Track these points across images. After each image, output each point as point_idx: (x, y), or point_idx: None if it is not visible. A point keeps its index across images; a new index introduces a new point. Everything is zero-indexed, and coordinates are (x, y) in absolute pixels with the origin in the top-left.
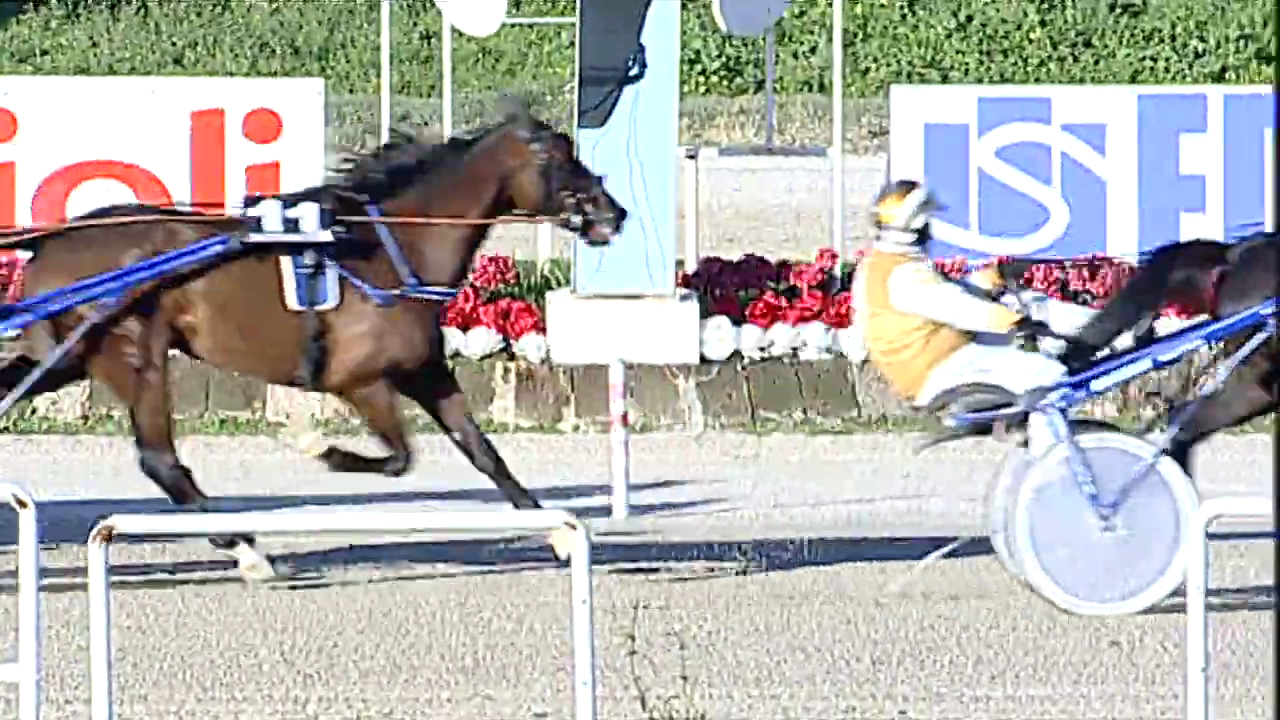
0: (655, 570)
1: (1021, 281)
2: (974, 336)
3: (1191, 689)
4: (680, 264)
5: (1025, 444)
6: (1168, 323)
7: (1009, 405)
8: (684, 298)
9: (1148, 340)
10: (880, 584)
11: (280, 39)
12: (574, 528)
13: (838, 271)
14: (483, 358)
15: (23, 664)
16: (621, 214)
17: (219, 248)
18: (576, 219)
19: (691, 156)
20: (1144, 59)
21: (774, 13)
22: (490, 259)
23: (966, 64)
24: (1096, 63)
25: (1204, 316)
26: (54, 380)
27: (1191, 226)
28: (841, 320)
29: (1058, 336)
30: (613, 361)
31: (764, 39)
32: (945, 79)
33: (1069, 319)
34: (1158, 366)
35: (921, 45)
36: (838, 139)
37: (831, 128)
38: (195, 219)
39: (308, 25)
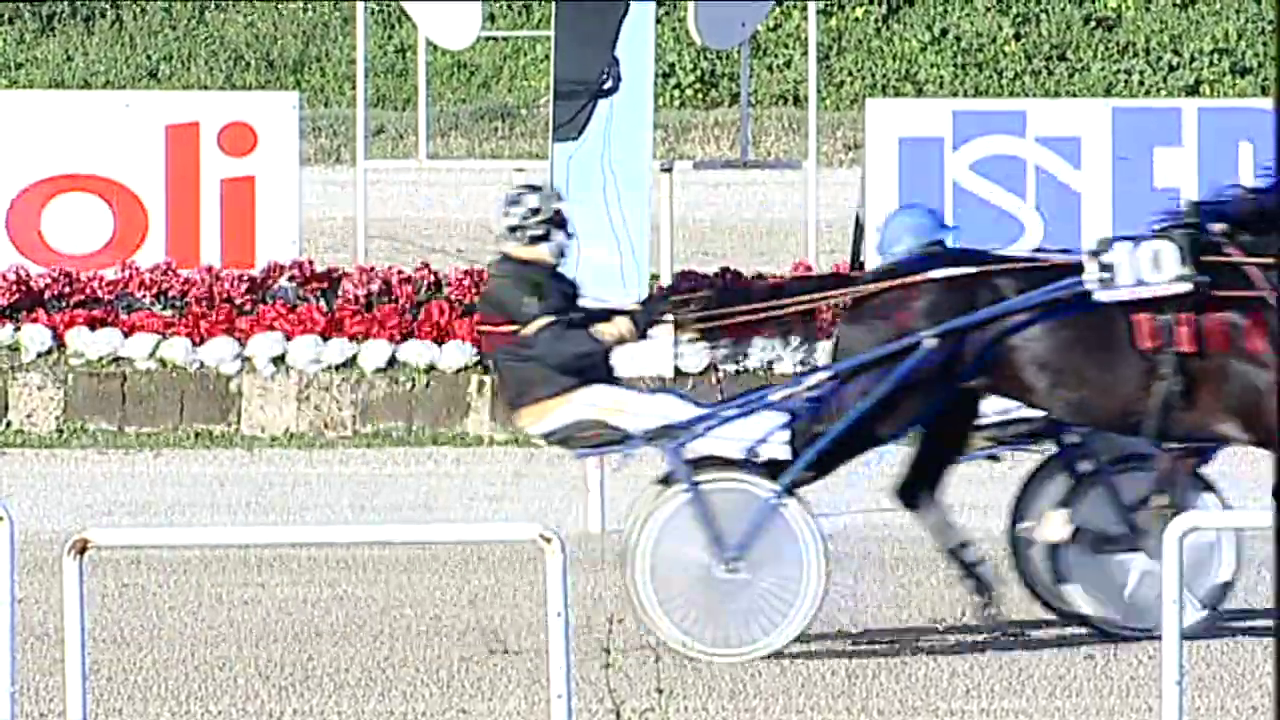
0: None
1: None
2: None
3: (1166, 702)
4: (655, 277)
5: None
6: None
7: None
8: None
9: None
10: (855, 596)
11: (255, 52)
12: (549, 541)
13: None
14: (458, 370)
15: None
16: None
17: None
18: None
19: (666, 169)
20: (1118, 72)
21: (749, 26)
22: (466, 272)
23: (941, 77)
24: (1071, 76)
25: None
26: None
27: None
28: (817, 333)
29: None
30: None
31: (739, 52)
32: (920, 92)
33: None
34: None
35: (896, 59)
36: (812, 152)
37: (806, 141)
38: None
39: (282, 38)
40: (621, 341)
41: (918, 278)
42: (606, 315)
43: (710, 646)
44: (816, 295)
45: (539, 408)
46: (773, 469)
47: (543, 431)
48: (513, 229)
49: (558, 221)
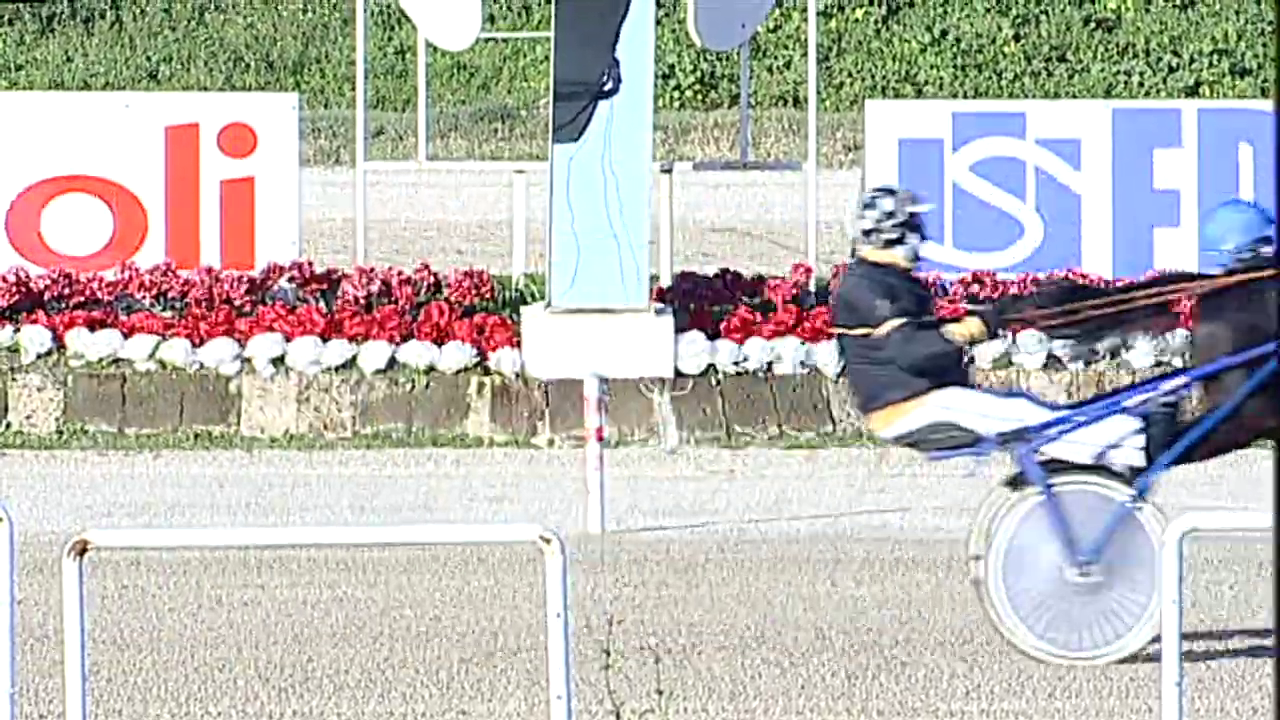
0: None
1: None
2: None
3: (1166, 703)
4: (655, 278)
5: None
6: None
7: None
8: (659, 312)
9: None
10: (855, 598)
11: (255, 54)
12: (549, 542)
13: (812, 286)
14: (457, 372)
15: None
16: None
17: None
18: None
19: (666, 171)
20: (1118, 73)
21: (749, 27)
22: (465, 273)
23: (941, 78)
24: (1071, 77)
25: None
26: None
27: (1165, 241)
28: (816, 335)
29: None
30: (587, 376)
31: (739, 53)
32: (920, 93)
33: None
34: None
35: (896, 60)
36: (812, 153)
37: (806, 142)
38: None
39: (282, 40)
40: (973, 342)
41: (1271, 272)
42: (957, 316)
43: (1064, 650)
44: (1168, 290)
45: (891, 411)
46: (1125, 472)
47: (894, 435)
48: (867, 232)
49: (912, 225)
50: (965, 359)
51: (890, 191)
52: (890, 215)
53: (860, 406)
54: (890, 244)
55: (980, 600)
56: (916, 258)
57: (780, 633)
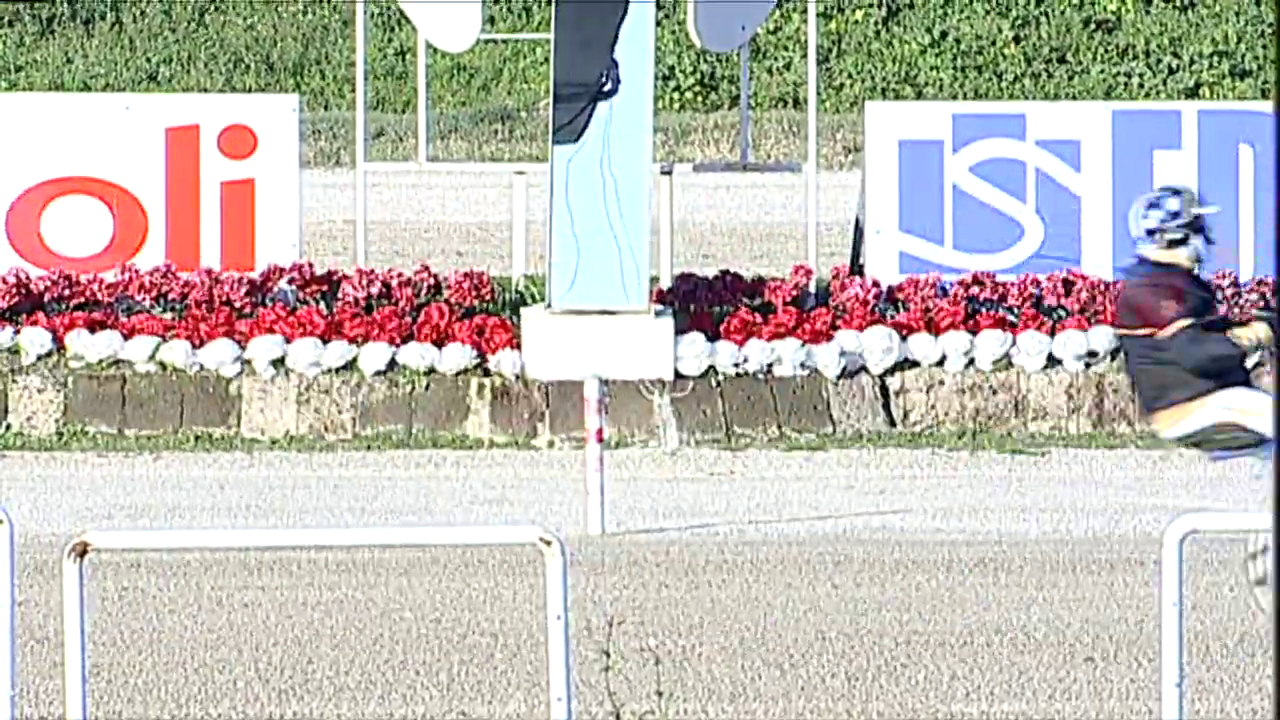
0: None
1: None
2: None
3: (1166, 705)
4: (655, 280)
5: None
6: None
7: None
8: (659, 314)
9: None
10: (855, 599)
11: (255, 55)
12: (549, 544)
13: (812, 287)
14: (458, 373)
15: None
16: None
17: None
18: None
19: (666, 172)
20: (1118, 75)
21: (749, 29)
22: (465, 274)
23: (941, 80)
24: (1071, 79)
25: None
26: None
27: None
28: (816, 336)
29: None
30: (588, 377)
31: (739, 55)
32: (920, 95)
33: None
34: None
35: (896, 61)
36: (812, 155)
37: (806, 143)
38: None
39: (282, 41)
40: (1259, 347)
41: None
42: (1244, 320)
43: None
44: None
45: (1176, 411)
46: None
47: (1179, 435)
48: (1151, 232)
49: (1197, 226)
50: (1250, 362)
51: (1176, 192)
52: (1175, 215)
53: (1144, 407)
54: (1174, 244)
55: (1261, 600)
56: (1199, 259)
57: (780, 634)
